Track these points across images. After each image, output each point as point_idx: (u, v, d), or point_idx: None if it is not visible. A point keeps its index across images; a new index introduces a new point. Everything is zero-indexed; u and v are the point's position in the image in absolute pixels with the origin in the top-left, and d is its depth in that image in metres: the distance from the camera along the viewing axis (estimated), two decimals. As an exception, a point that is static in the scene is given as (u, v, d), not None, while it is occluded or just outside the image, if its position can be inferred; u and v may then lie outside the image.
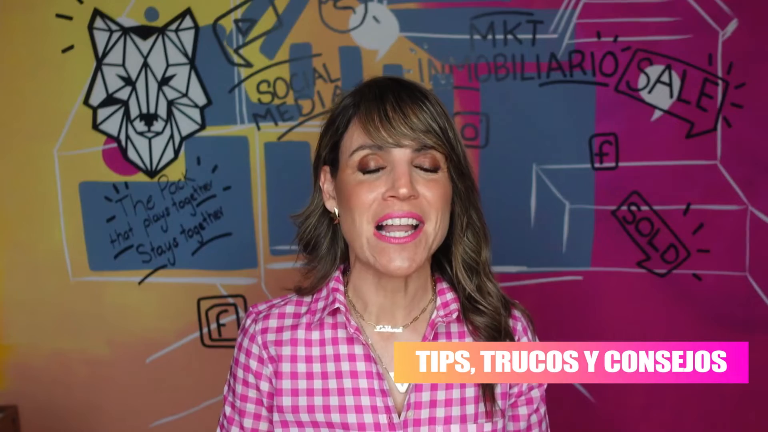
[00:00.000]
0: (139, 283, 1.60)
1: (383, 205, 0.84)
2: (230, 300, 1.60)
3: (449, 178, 0.88)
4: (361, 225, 0.84)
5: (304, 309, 0.94)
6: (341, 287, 0.92)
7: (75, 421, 1.62)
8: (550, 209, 1.56)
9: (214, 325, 1.61)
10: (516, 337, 0.94)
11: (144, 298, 1.60)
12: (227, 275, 1.60)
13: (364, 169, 0.85)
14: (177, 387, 1.61)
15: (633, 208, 1.56)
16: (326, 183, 0.92)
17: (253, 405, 0.92)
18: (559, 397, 1.59)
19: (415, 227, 0.84)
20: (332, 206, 0.91)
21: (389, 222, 0.84)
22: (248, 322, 0.94)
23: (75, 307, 1.60)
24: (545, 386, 0.99)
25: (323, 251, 0.94)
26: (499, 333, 0.91)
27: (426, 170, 0.85)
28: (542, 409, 0.98)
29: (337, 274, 0.94)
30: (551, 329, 1.60)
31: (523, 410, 0.96)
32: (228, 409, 0.95)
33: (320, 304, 0.92)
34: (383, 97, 0.86)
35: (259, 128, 1.57)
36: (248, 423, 0.93)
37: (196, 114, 1.57)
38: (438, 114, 0.86)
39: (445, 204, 0.87)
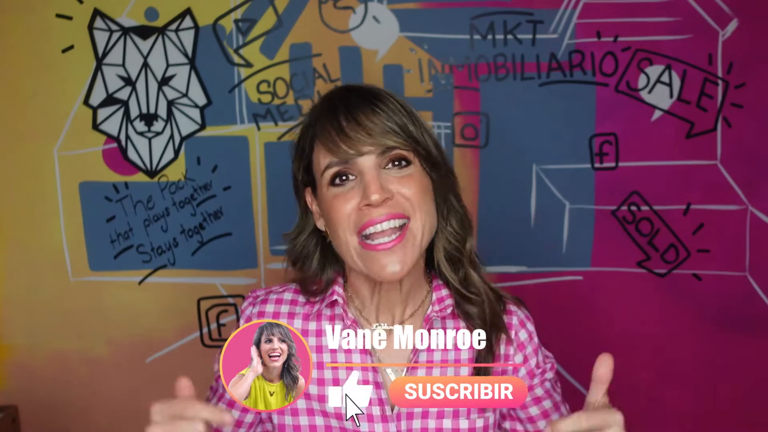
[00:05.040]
0: (139, 283, 1.60)
1: (361, 215, 0.84)
2: (230, 300, 1.60)
3: (424, 171, 0.88)
4: (345, 237, 0.85)
5: (302, 299, 0.95)
6: (341, 280, 0.94)
7: (75, 420, 1.62)
8: (550, 209, 1.56)
9: (214, 325, 1.61)
10: (513, 332, 0.95)
11: (144, 298, 1.60)
12: (227, 275, 1.60)
13: (335, 182, 0.86)
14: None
15: (633, 208, 1.56)
16: (314, 204, 0.93)
17: None
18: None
19: (400, 228, 0.84)
20: (322, 225, 0.92)
21: (372, 230, 0.84)
22: (245, 305, 0.96)
23: (75, 307, 1.60)
24: (553, 373, 0.99)
25: (314, 268, 0.94)
26: (485, 323, 0.91)
27: (396, 168, 0.85)
28: (554, 393, 0.99)
29: (337, 268, 0.95)
30: (551, 329, 1.60)
31: (534, 411, 0.97)
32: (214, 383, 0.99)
33: (319, 296, 0.94)
34: (334, 109, 0.86)
35: (259, 128, 1.57)
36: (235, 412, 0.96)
37: (196, 114, 1.57)
38: (393, 111, 0.86)
39: (424, 197, 0.86)
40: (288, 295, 0.95)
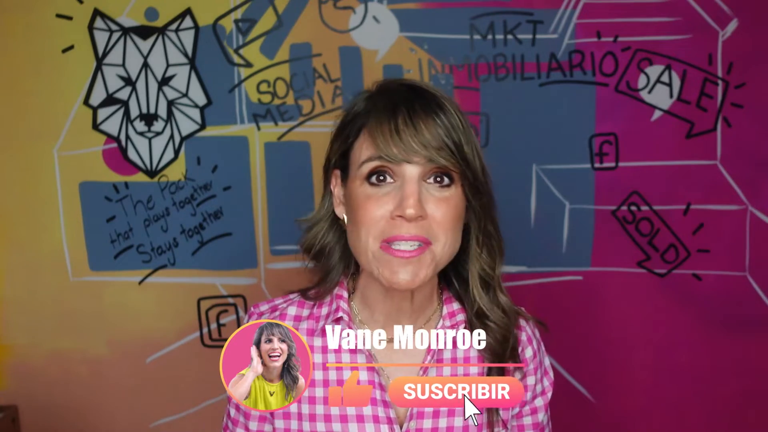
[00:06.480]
0: (139, 283, 1.60)
1: (390, 225, 0.81)
2: (230, 300, 1.60)
3: (463, 194, 0.85)
4: (367, 241, 0.82)
5: (305, 313, 0.93)
6: (345, 294, 0.91)
7: (75, 420, 1.62)
8: (550, 209, 1.56)
9: (214, 325, 1.61)
10: (520, 348, 0.93)
11: (144, 298, 1.60)
12: (227, 275, 1.60)
13: (371, 180, 0.82)
14: (177, 387, 1.61)
15: (633, 208, 1.56)
16: (337, 187, 0.90)
17: None
18: (560, 397, 1.59)
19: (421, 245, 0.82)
20: (341, 212, 0.89)
21: (396, 242, 0.81)
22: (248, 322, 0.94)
23: (75, 307, 1.60)
24: (549, 394, 0.98)
25: (335, 260, 0.92)
26: (504, 352, 0.89)
27: (437, 185, 0.82)
28: (543, 417, 0.98)
29: (342, 279, 0.93)
30: (551, 329, 1.60)
31: (527, 420, 0.96)
32: (233, 411, 0.95)
33: (324, 311, 0.91)
34: (395, 109, 0.82)
35: (259, 128, 1.57)
36: (254, 426, 0.93)
37: (196, 114, 1.57)
38: (454, 127, 0.82)
39: (455, 223, 0.84)
40: (292, 310, 0.93)
